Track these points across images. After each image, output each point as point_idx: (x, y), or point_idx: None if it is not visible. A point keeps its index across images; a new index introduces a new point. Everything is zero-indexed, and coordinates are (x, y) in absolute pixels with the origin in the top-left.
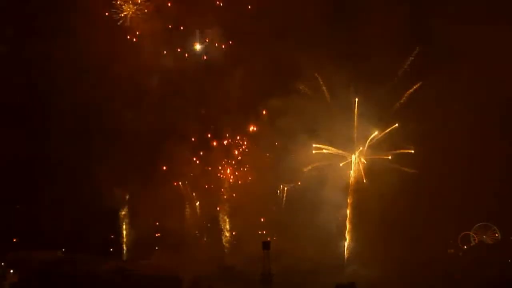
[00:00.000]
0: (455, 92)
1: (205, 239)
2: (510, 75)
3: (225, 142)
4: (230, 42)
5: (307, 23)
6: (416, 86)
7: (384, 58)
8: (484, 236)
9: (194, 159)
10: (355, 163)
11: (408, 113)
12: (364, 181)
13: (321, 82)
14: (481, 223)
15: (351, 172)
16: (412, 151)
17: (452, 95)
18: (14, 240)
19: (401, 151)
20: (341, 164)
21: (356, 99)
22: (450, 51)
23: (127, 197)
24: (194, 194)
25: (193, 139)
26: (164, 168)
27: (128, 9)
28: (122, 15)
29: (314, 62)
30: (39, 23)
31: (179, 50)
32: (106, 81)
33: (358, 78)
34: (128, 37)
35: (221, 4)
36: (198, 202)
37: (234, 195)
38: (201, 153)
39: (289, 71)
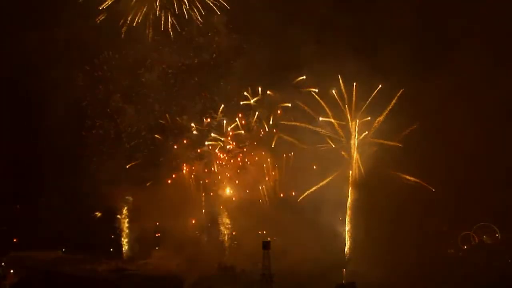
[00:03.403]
0: (457, 91)
1: (205, 239)
2: None
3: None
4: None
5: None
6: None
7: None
8: (484, 236)
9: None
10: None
11: (410, 112)
12: (366, 179)
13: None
14: (481, 223)
15: (352, 162)
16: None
17: (455, 94)
18: (14, 240)
19: None
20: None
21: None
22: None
23: (127, 197)
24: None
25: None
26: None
27: None
28: None
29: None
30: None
31: None
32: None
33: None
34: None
35: None
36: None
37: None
38: (199, 151)
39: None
